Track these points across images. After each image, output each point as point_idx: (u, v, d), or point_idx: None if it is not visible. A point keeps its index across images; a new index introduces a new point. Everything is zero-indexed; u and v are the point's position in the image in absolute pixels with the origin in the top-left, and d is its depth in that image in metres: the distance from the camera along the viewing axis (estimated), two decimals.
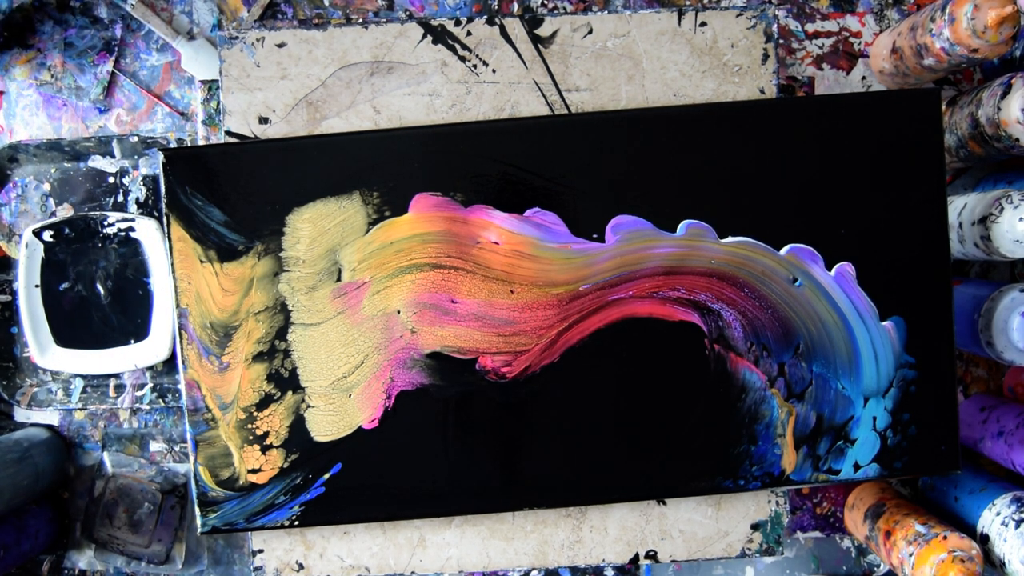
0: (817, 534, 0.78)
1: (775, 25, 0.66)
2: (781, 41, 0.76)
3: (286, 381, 0.63)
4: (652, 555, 0.68)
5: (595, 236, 0.62)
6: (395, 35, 0.66)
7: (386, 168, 0.61)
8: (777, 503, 0.68)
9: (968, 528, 0.67)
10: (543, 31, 0.66)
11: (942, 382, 0.63)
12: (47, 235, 0.74)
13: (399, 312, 0.62)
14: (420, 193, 0.61)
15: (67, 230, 0.74)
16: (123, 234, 0.74)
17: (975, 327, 0.65)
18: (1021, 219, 0.60)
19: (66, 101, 0.76)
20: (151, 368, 0.76)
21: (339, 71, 0.66)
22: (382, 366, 0.62)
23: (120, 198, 0.76)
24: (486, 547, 0.68)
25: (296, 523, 0.64)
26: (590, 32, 0.66)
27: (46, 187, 0.76)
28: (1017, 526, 0.62)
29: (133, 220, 0.74)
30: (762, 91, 0.66)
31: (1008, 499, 0.64)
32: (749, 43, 0.66)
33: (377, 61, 0.66)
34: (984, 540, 0.64)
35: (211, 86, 0.74)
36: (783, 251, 0.62)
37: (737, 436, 0.63)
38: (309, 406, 0.63)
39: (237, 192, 0.62)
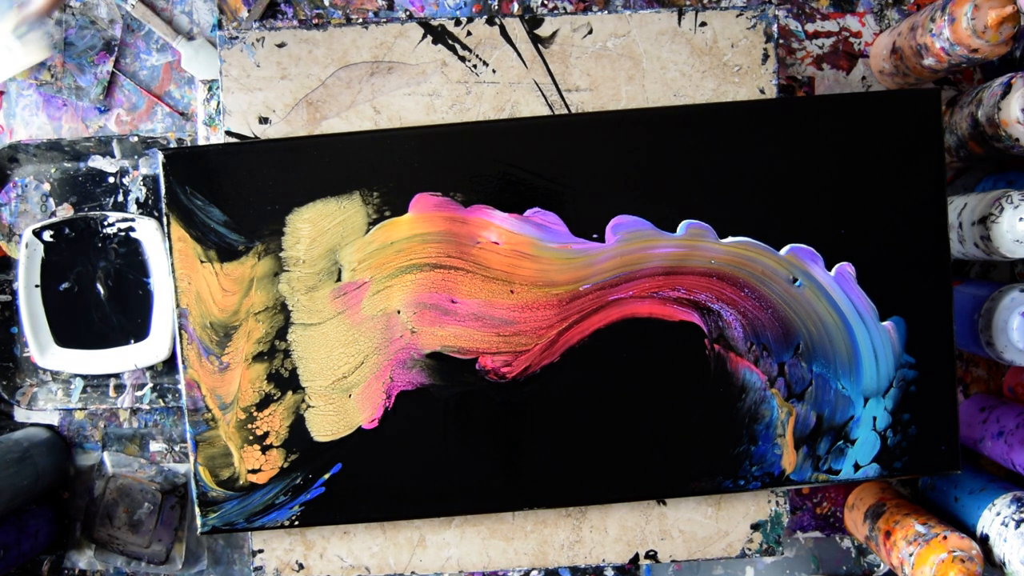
0: (817, 534, 0.78)
1: (775, 25, 0.66)
2: (781, 41, 0.76)
3: (286, 381, 0.63)
4: (652, 555, 0.68)
5: (595, 236, 0.62)
6: (395, 35, 0.66)
7: (386, 168, 0.61)
8: (777, 503, 0.68)
9: (968, 528, 0.67)
10: (543, 31, 0.66)
11: (942, 382, 0.63)
12: (47, 235, 0.74)
13: (399, 312, 0.62)
14: (420, 193, 0.61)
15: (67, 230, 0.74)
16: (123, 234, 0.74)
17: (975, 327, 0.65)
18: (1021, 219, 0.60)
19: (66, 101, 0.76)
20: (151, 368, 0.76)
21: (339, 71, 0.66)
22: (382, 366, 0.62)
23: (120, 198, 0.76)
24: (486, 547, 0.68)
25: (296, 523, 0.64)
26: (590, 32, 0.66)
27: (46, 187, 0.76)
28: (1017, 526, 0.62)
29: (133, 220, 0.74)
30: (762, 91, 0.66)
31: (1008, 499, 0.64)
32: (749, 43, 0.66)
33: (377, 61, 0.66)
34: (984, 540, 0.64)
35: (211, 86, 0.74)
36: (783, 251, 0.62)
37: (737, 436, 0.63)
38: (309, 406, 0.63)
39: (237, 192, 0.62)
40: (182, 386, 0.63)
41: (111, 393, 0.77)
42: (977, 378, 0.77)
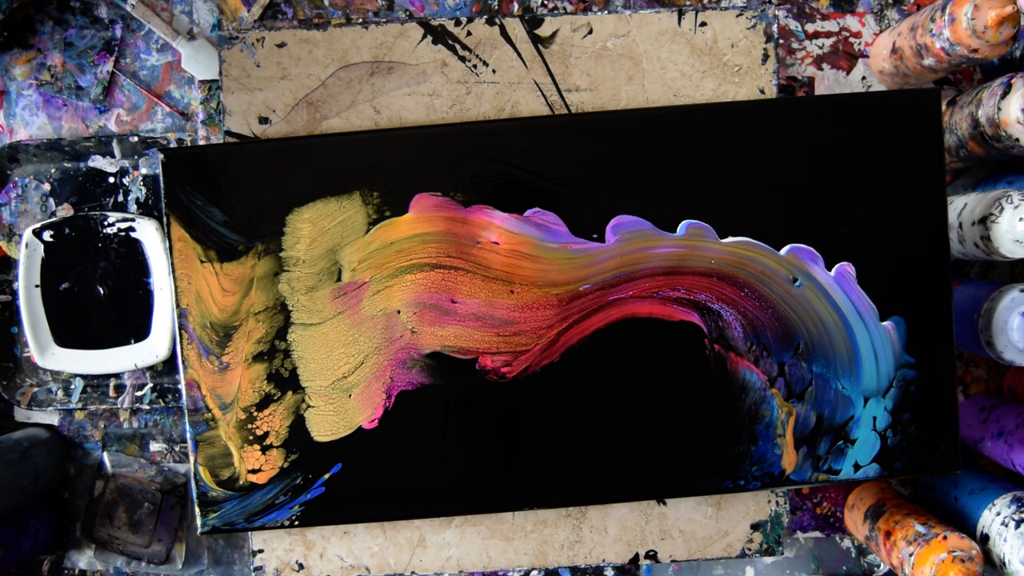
0: (817, 534, 0.78)
1: (775, 25, 0.66)
2: (781, 41, 0.76)
3: (286, 381, 0.63)
4: (652, 555, 0.68)
5: (595, 236, 0.62)
6: (395, 35, 0.66)
7: (386, 168, 0.61)
8: (777, 503, 0.68)
9: (968, 528, 0.67)
10: (543, 31, 0.66)
11: (942, 382, 0.63)
12: (47, 235, 0.74)
13: (399, 312, 0.62)
14: (420, 193, 0.61)
15: (67, 230, 0.74)
16: (123, 234, 0.74)
17: (975, 327, 0.65)
18: (1021, 219, 0.60)
19: (66, 101, 0.76)
20: (151, 368, 0.76)
21: (339, 71, 0.66)
22: (382, 366, 0.62)
23: (120, 198, 0.76)
24: (486, 547, 0.68)
25: (296, 523, 0.64)
26: (590, 32, 0.66)
27: (46, 187, 0.76)
28: (1017, 526, 0.62)
29: (133, 220, 0.74)
30: (762, 91, 0.66)
31: (1008, 499, 0.64)
32: (749, 43, 0.66)
33: (377, 61, 0.66)
34: (984, 540, 0.64)
35: (211, 86, 0.74)
36: (783, 251, 0.62)
37: (737, 436, 0.63)
38: (309, 406, 0.63)
39: (237, 192, 0.62)
40: (182, 386, 0.63)
41: (111, 393, 0.77)
42: (977, 378, 0.77)
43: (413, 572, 0.68)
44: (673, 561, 0.69)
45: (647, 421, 0.63)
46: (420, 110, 0.66)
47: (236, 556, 0.78)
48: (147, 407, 0.77)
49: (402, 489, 0.64)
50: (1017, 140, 0.62)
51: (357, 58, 0.66)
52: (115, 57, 0.76)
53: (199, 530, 0.64)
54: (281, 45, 0.66)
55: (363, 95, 0.66)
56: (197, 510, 0.64)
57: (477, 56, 0.66)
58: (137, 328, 0.75)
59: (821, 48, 0.76)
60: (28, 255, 0.74)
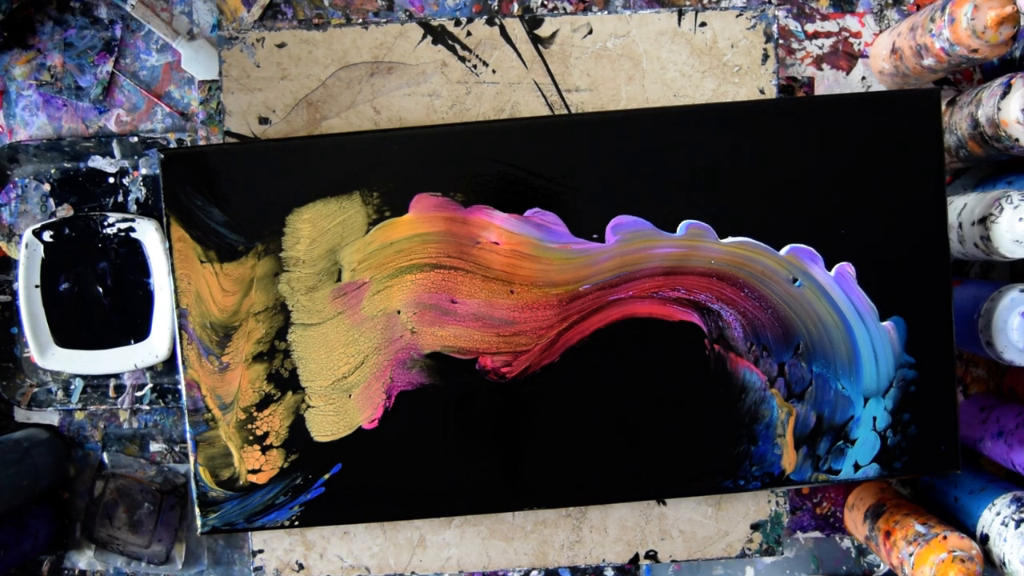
0: (817, 534, 0.78)
1: (775, 25, 0.66)
2: (781, 41, 0.76)
3: (286, 381, 0.63)
4: (652, 555, 0.69)
5: (595, 236, 0.62)
6: (395, 35, 0.66)
7: (386, 168, 0.61)
8: (777, 503, 0.68)
9: (968, 528, 0.67)
10: (543, 31, 0.66)
11: (942, 382, 0.64)
12: (47, 235, 0.74)
13: (399, 312, 0.62)
14: (420, 193, 0.61)
15: (67, 230, 0.74)
16: (123, 234, 0.74)
17: (975, 327, 0.65)
18: (1021, 219, 0.60)
19: (66, 101, 0.76)
20: (151, 368, 0.76)
21: (339, 71, 0.66)
22: (382, 366, 0.62)
23: (120, 198, 0.76)
24: (486, 547, 0.68)
25: (296, 523, 0.64)
26: (590, 32, 0.66)
27: (46, 187, 0.76)
28: (1017, 526, 0.62)
29: (133, 220, 0.74)
30: (762, 91, 0.66)
31: (1008, 499, 0.64)
32: (749, 43, 0.66)
33: (377, 61, 0.66)
34: (984, 540, 0.64)
35: (211, 86, 0.74)
36: (783, 251, 0.62)
37: (737, 436, 0.63)
38: (309, 406, 0.63)
39: (237, 192, 0.62)
40: (182, 386, 0.63)
41: (111, 393, 0.77)
42: (977, 378, 0.77)
43: (413, 572, 0.68)
44: (673, 561, 0.69)
45: (647, 421, 0.63)
46: (420, 110, 0.66)
47: (236, 556, 0.78)
48: (147, 407, 0.77)
49: (402, 489, 0.64)
50: (1017, 140, 0.62)
51: (357, 58, 0.66)
52: (115, 57, 0.76)
53: (199, 530, 0.64)
54: (281, 45, 0.66)
55: (363, 95, 0.66)
56: (197, 510, 0.64)
57: (477, 56, 0.66)
58: (137, 328, 0.75)
59: (821, 48, 0.76)
60: (28, 255, 0.74)
